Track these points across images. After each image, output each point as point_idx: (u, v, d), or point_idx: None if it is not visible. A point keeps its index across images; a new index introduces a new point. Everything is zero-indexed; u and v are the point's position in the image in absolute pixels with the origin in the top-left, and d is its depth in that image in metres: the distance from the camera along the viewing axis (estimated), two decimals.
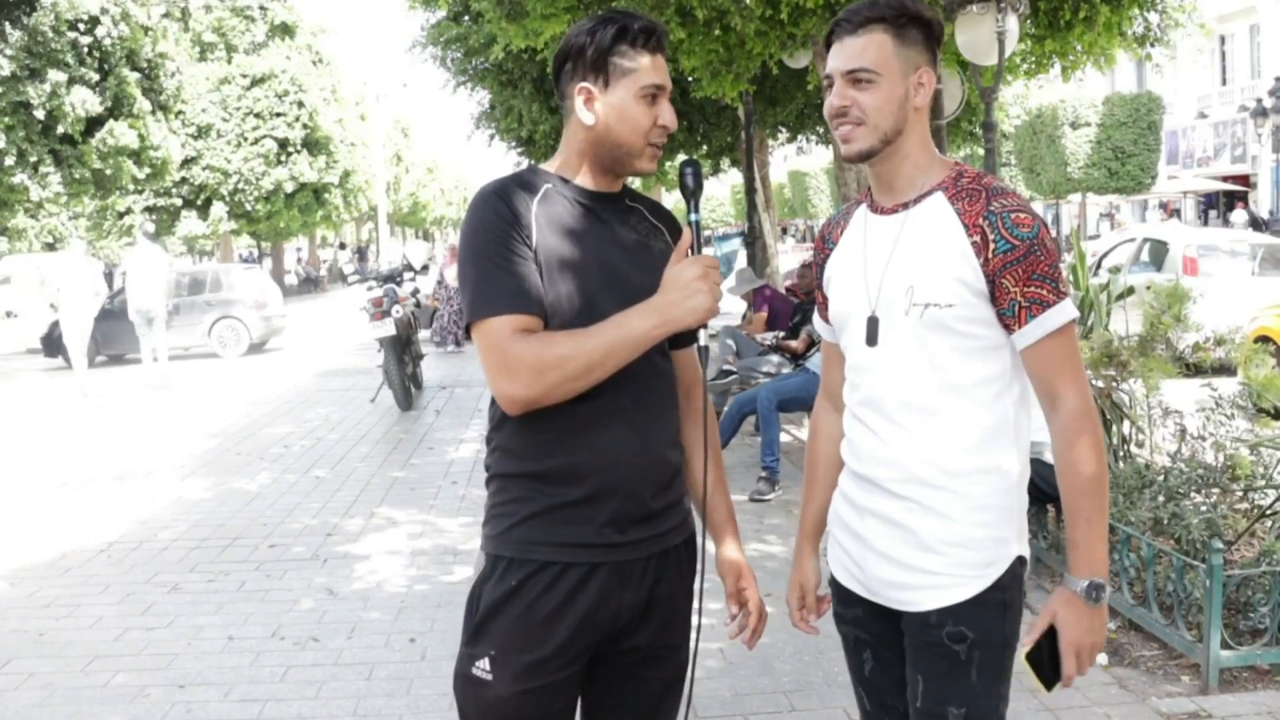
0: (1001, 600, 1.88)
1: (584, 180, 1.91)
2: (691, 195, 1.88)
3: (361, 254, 53.59)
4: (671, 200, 40.83)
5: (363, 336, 18.24)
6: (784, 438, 7.21)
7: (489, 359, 1.79)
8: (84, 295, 13.09)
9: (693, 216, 1.85)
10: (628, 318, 1.77)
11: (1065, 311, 1.82)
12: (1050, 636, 1.84)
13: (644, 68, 1.85)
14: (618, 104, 1.85)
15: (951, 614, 1.85)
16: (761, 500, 6.46)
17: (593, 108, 1.86)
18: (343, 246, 60.84)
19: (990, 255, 1.80)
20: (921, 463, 1.87)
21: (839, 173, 8.57)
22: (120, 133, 18.95)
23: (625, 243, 1.91)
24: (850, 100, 1.87)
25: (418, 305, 11.85)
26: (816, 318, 2.17)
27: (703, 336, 1.87)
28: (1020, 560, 1.92)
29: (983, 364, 1.86)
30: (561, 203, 1.88)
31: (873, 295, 1.92)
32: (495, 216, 1.82)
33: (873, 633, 2.01)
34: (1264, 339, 9.11)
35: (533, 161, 10.06)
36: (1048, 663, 1.84)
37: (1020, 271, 1.80)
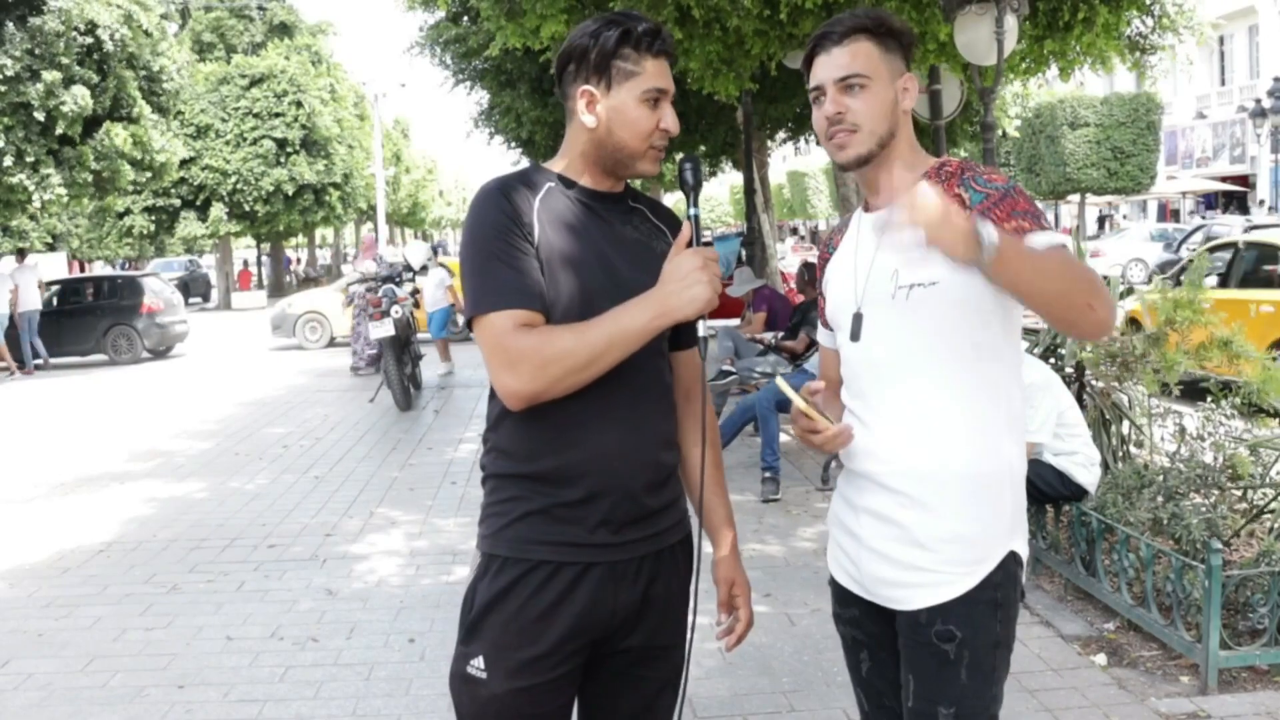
0: (993, 599, 1.86)
1: (586, 180, 1.91)
2: (691, 190, 1.88)
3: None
4: (671, 201, 40.72)
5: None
6: (783, 438, 7.21)
7: (491, 355, 1.79)
8: (30, 294, 16.09)
9: (692, 211, 1.86)
10: (627, 310, 1.77)
11: (1053, 235, 1.76)
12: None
13: (647, 71, 1.85)
14: (619, 107, 1.85)
15: (941, 612, 1.85)
16: (775, 500, 6.48)
17: (594, 110, 1.86)
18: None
19: (967, 209, 1.78)
20: (911, 454, 1.86)
21: (838, 174, 8.57)
22: (116, 134, 18.89)
23: (626, 242, 1.91)
24: (844, 107, 1.89)
25: (416, 305, 11.87)
26: (820, 326, 2.16)
27: (701, 328, 1.86)
28: (1014, 557, 1.90)
29: (971, 353, 1.85)
30: (563, 202, 1.88)
31: (860, 290, 1.93)
32: (498, 212, 1.82)
33: (869, 633, 2.01)
34: (1133, 322, 8.85)
35: (534, 161, 10.05)
36: None
37: (1000, 212, 1.78)
